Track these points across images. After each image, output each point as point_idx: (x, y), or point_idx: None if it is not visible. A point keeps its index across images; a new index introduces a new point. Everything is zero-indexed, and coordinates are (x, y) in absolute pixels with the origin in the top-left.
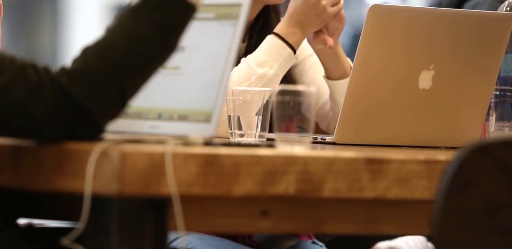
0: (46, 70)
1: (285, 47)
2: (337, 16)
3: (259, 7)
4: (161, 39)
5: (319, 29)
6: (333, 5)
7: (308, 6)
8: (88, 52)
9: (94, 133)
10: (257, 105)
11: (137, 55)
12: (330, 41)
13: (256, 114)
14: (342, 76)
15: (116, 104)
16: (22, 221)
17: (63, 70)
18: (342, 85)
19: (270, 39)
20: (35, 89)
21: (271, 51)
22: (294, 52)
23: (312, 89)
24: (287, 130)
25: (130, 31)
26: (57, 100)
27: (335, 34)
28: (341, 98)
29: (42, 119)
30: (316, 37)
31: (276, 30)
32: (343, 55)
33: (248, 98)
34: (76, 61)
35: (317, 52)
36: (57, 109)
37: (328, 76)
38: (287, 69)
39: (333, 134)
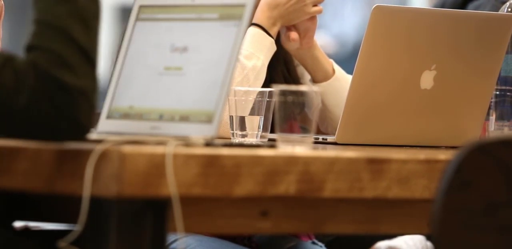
0: (28, 62)
1: (267, 36)
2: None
3: None
4: None
5: (289, 25)
6: (314, 5)
7: None
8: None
9: (87, 106)
10: (259, 105)
11: (73, 14)
12: (293, 34)
13: (258, 115)
14: (325, 79)
15: (89, 68)
16: (18, 223)
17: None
18: (325, 87)
19: (252, 31)
20: (19, 80)
21: (255, 42)
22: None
23: (314, 89)
24: (291, 130)
25: None
26: (39, 84)
27: (307, 35)
28: (327, 100)
29: (29, 105)
30: (286, 35)
31: (257, 21)
32: (323, 57)
33: (250, 98)
34: (29, 47)
35: (293, 54)
36: (41, 93)
37: (313, 79)
38: (270, 57)
39: (333, 135)
